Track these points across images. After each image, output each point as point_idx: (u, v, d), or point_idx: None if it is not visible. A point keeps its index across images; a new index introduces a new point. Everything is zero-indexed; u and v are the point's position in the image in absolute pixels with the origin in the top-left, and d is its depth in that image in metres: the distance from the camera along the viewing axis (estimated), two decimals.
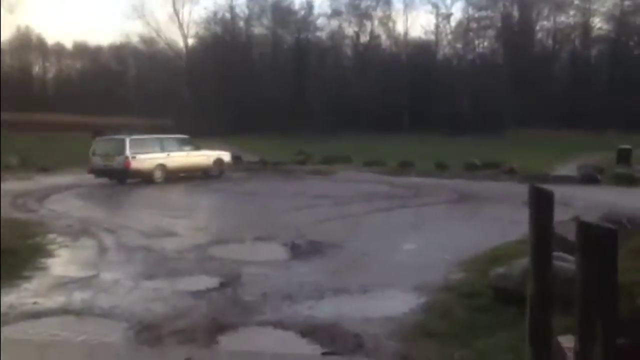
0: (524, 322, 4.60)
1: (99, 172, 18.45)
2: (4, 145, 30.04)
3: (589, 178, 18.63)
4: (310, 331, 5.32)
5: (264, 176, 20.98)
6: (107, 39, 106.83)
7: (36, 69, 70.89)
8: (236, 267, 7.50)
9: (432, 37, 59.10)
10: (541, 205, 4.44)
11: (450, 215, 12.57)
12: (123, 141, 18.18)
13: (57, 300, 6.03)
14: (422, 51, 58.26)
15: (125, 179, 18.13)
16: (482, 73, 53.40)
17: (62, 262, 7.70)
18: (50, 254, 8.12)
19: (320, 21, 60.03)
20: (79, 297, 6.16)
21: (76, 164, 24.05)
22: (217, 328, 5.34)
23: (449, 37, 58.49)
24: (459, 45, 58.06)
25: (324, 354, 4.85)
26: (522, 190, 17.42)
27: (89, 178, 19.82)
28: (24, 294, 6.23)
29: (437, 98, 52.27)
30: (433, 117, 49.42)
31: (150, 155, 18.33)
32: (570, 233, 7.49)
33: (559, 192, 16.08)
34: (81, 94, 63.31)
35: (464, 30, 57.03)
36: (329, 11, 59.95)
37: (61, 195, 15.09)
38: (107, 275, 7.02)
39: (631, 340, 4.75)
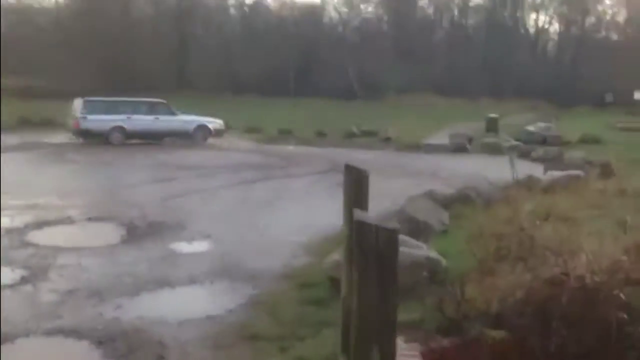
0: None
1: (72, 132, 18.85)
2: None
3: (459, 147, 18.91)
4: (109, 340, 4.51)
5: (131, 145, 19.46)
6: None
7: None
8: (51, 256, 6.49)
9: (319, 1, 58.49)
10: (355, 188, 3.88)
11: (316, 188, 12.04)
12: (76, 103, 18.73)
13: None
14: (308, 16, 57.49)
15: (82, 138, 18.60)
16: (366, 39, 53.68)
17: None
18: None
19: None
20: None
21: None
22: None
23: (335, 1, 58.07)
24: (344, 10, 57.84)
25: None
26: (395, 160, 17.42)
27: None
28: None
29: (322, 64, 51.92)
30: (318, 83, 49.03)
31: (105, 117, 18.45)
32: (419, 211, 7.12)
33: (429, 161, 16.09)
34: None
35: None
36: None
37: None
38: None
39: (459, 336, 4.36)
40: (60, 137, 18.93)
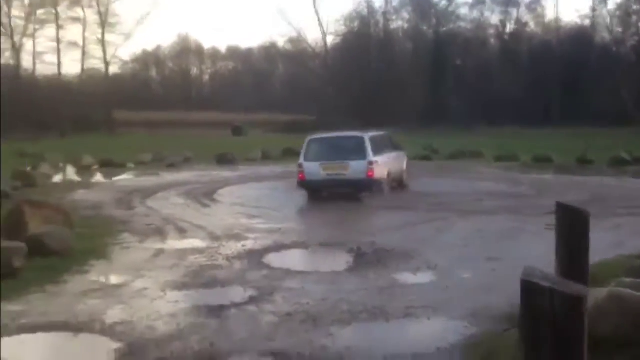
0: None
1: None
2: (144, 143, 32.04)
3: None
4: None
5: None
6: (257, 42, 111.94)
7: (194, 72, 75.92)
8: (280, 279, 6.78)
9: (588, 22, 54.22)
10: (570, 232, 3.21)
11: None
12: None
13: (58, 315, 5.64)
14: (576, 38, 53.65)
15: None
16: None
17: (108, 267, 7.47)
18: (104, 256, 7.95)
19: (462, 11, 57.57)
20: (94, 309, 5.79)
21: (204, 160, 24.83)
22: (209, 356, 4.66)
23: (607, 21, 53.23)
24: (619, 30, 52.67)
25: None
26: None
27: (208, 174, 20.24)
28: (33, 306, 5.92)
29: (590, 87, 47.89)
30: (584, 108, 45.27)
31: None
32: None
33: None
34: (233, 93, 66.83)
35: (624, 12, 51.60)
36: (471, 0, 57.22)
37: (168, 193, 15.29)
38: (137, 284, 6.63)
39: None
40: None
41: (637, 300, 4.24)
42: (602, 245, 8.36)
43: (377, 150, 13.32)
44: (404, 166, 15.74)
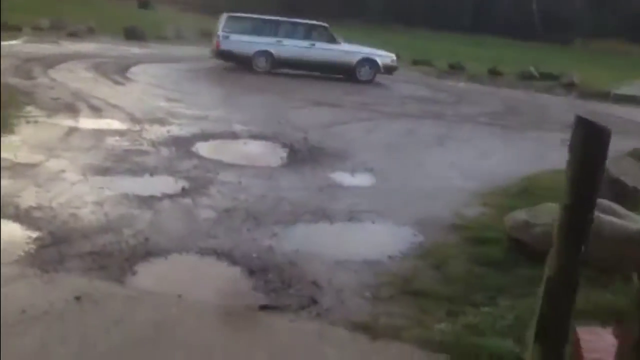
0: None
1: (212, 53, 16.50)
2: (39, 6, 29.10)
3: None
4: (261, 271, 4.16)
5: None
6: None
7: None
8: (213, 171, 6.32)
9: None
10: (590, 149, 2.97)
11: (489, 131, 10.99)
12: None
13: None
14: None
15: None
16: None
17: (13, 142, 6.65)
18: (8, 131, 7.08)
19: None
20: (3, 190, 5.11)
21: (109, 32, 22.94)
22: (146, 252, 4.24)
23: None
24: None
25: (262, 307, 3.71)
26: (581, 108, 15.54)
27: (115, 48, 18.72)
28: None
29: None
30: (494, 19, 45.86)
31: (250, 39, 15.70)
32: (626, 173, 5.99)
33: (620, 114, 13.93)
34: None
35: None
36: None
37: (73, 64, 13.98)
38: (52, 164, 5.94)
39: None
40: None
41: None
42: (530, 157, 8.56)
43: (243, 30, 15.84)
44: (354, 61, 16.41)
